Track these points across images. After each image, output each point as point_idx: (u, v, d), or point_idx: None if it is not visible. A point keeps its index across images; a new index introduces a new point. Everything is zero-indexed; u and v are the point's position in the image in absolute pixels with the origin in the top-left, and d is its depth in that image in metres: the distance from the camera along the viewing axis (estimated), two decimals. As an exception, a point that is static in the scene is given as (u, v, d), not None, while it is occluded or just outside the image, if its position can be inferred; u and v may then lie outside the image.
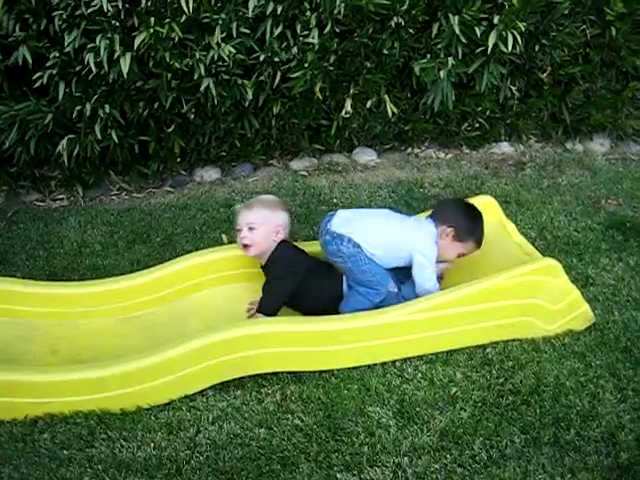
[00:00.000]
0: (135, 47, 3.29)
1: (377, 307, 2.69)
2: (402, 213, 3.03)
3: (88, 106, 3.47)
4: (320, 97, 3.78)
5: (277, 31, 3.54)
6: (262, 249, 2.77)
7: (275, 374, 2.50)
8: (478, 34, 3.64)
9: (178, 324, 2.77)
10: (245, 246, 2.78)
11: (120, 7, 3.27)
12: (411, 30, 3.73)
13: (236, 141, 3.94)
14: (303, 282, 2.72)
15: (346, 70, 3.81)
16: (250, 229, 2.76)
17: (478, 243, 2.84)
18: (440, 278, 2.84)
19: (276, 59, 3.59)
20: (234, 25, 3.43)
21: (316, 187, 3.92)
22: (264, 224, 2.77)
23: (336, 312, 2.70)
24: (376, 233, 2.76)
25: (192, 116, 3.71)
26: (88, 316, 2.78)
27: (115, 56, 3.30)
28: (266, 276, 2.80)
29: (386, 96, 3.91)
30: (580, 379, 2.48)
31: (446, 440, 2.24)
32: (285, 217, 2.85)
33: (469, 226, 2.81)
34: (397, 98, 4.03)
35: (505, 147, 4.38)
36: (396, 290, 2.78)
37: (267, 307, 2.67)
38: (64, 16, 3.30)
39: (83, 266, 3.22)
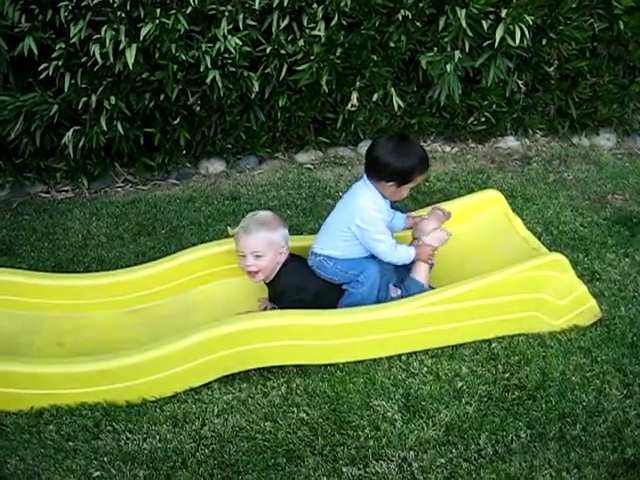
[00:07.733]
0: (141, 38, 3.29)
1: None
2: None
3: (94, 97, 3.47)
4: (326, 90, 3.77)
5: (284, 23, 3.53)
6: (269, 272, 2.71)
7: (281, 367, 2.49)
8: (485, 28, 3.63)
9: (183, 317, 2.78)
10: (251, 272, 2.69)
11: (126, -2, 3.27)
12: (418, 23, 3.72)
13: (242, 133, 3.93)
14: (315, 301, 2.65)
15: (352, 63, 3.80)
16: (257, 257, 2.65)
17: (423, 171, 2.70)
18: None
19: (282, 51, 3.58)
20: (240, 17, 3.42)
21: (322, 180, 3.91)
22: (270, 249, 2.66)
23: None
24: (323, 235, 2.75)
25: (198, 108, 3.70)
26: (93, 308, 2.78)
27: (121, 47, 3.29)
28: (270, 291, 2.76)
29: (392, 89, 3.89)
30: (586, 374, 2.48)
31: (452, 434, 2.24)
32: (285, 233, 2.74)
33: (406, 170, 2.64)
34: (403, 91, 4.01)
35: (511, 141, 4.36)
36: (399, 292, 2.74)
37: None
38: (70, 7, 3.31)
39: (88, 258, 3.22)
